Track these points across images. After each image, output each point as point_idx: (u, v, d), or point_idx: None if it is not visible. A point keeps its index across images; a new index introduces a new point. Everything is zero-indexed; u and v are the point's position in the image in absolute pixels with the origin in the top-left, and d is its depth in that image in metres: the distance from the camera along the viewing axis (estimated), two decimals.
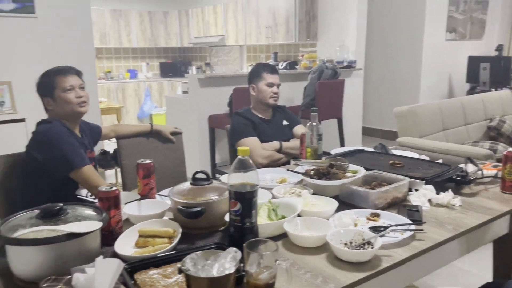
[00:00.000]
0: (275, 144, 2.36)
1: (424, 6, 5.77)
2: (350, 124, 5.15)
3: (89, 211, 1.15)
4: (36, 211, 1.11)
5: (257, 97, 2.48)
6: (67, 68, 1.86)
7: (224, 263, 0.88)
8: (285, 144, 2.37)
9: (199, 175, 1.41)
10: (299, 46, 5.89)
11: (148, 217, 1.36)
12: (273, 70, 2.51)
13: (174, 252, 1.12)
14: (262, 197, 1.55)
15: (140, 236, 1.23)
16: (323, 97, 4.25)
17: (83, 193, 1.86)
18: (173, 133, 2.51)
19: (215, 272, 0.87)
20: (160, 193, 1.63)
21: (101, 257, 0.89)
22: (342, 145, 4.53)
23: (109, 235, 1.22)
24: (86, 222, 1.06)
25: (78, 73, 1.88)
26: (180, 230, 1.24)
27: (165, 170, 2.49)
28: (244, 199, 1.14)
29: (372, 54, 6.11)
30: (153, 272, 1.03)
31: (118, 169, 2.94)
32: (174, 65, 8.15)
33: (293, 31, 5.49)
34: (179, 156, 2.54)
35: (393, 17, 6.13)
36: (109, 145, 3.51)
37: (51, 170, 1.74)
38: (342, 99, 4.49)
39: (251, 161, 1.16)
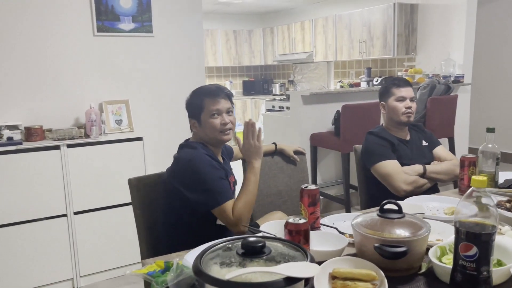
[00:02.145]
0: (418, 168, 2.09)
1: None
2: (456, 145, 4.71)
3: (286, 248, 0.99)
4: (231, 245, 0.97)
5: (388, 115, 2.25)
6: (217, 90, 1.69)
7: None
8: (429, 168, 2.10)
9: (388, 206, 1.21)
10: (394, 60, 5.58)
11: (329, 254, 1.18)
12: (403, 82, 2.25)
13: None
14: (438, 231, 1.34)
15: (335, 277, 1.05)
16: (435, 114, 3.92)
17: None
18: (296, 152, 2.36)
19: None
20: (324, 223, 1.45)
21: None
22: None
23: None
24: (296, 264, 0.90)
25: (229, 96, 1.71)
26: (382, 273, 1.04)
27: (291, 193, 2.34)
28: (481, 242, 0.92)
29: (477, 67, 5.62)
30: None
31: None
32: (256, 83, 8.14)
33: (391, 45, 5.20)
34: (304, 177, 2.38)
35: (501, 25, 5.61)
36: None
37: (191, 202, 1.61)
38: (454, 117, 4.11)
39: (487, 192, 0.94)
